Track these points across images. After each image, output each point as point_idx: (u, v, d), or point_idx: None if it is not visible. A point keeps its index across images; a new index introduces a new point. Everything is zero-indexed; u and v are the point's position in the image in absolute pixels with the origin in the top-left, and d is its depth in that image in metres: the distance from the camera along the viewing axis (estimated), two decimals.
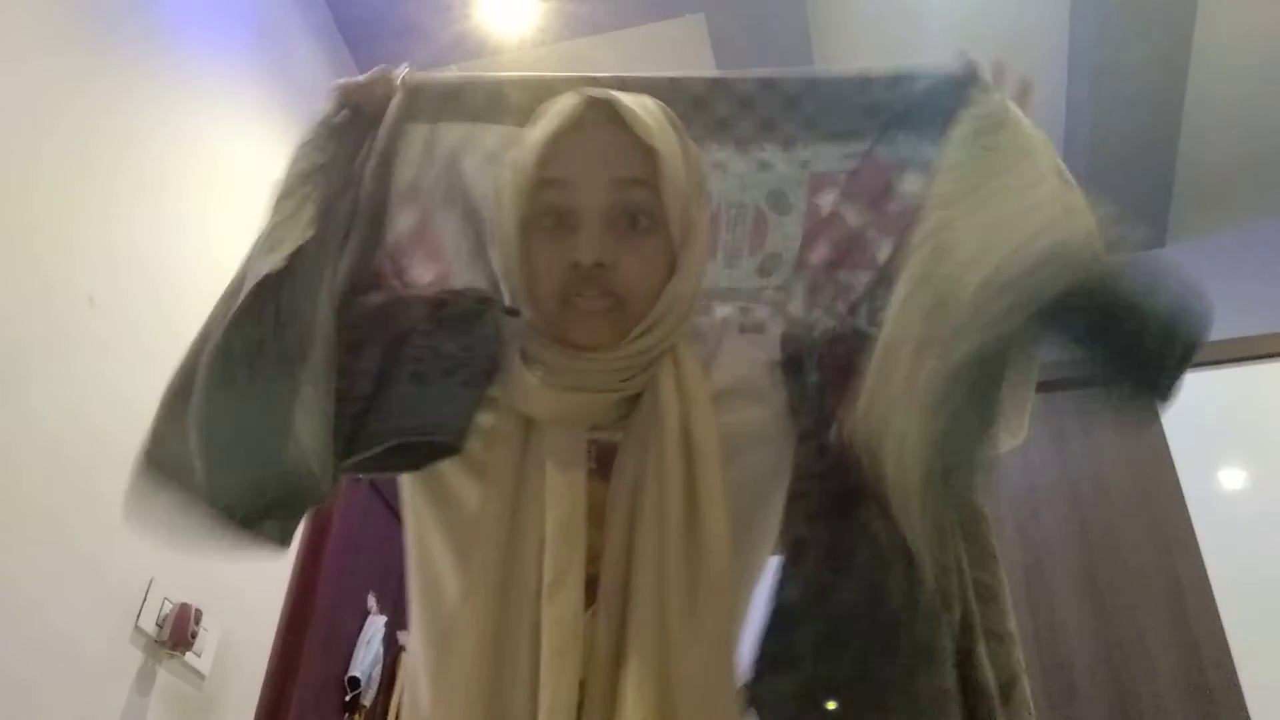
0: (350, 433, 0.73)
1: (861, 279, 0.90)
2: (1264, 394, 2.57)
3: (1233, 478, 2.49)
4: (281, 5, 2.52)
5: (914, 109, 0.83)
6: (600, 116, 0.73)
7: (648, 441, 0.70)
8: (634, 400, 0.73)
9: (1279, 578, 2.26)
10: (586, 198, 0.72)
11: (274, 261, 0.73)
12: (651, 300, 0.72)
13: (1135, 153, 2.91)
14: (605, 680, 0.64)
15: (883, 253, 0.89)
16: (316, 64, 2.64)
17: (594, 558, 0.68)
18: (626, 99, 0.73)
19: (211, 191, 2.09)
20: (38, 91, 1.64)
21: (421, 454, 0.72)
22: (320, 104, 0.89)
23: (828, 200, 0.88)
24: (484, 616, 0.66)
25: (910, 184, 0.86)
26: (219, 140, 2.16)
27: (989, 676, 0.69)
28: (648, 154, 0.72)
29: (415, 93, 0.89)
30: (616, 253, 0.71)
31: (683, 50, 2.82)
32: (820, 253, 0.90)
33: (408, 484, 0.80)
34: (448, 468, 0.74)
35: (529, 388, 0.73)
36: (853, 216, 0.88)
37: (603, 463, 0.72)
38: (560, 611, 0.65)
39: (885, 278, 0.83)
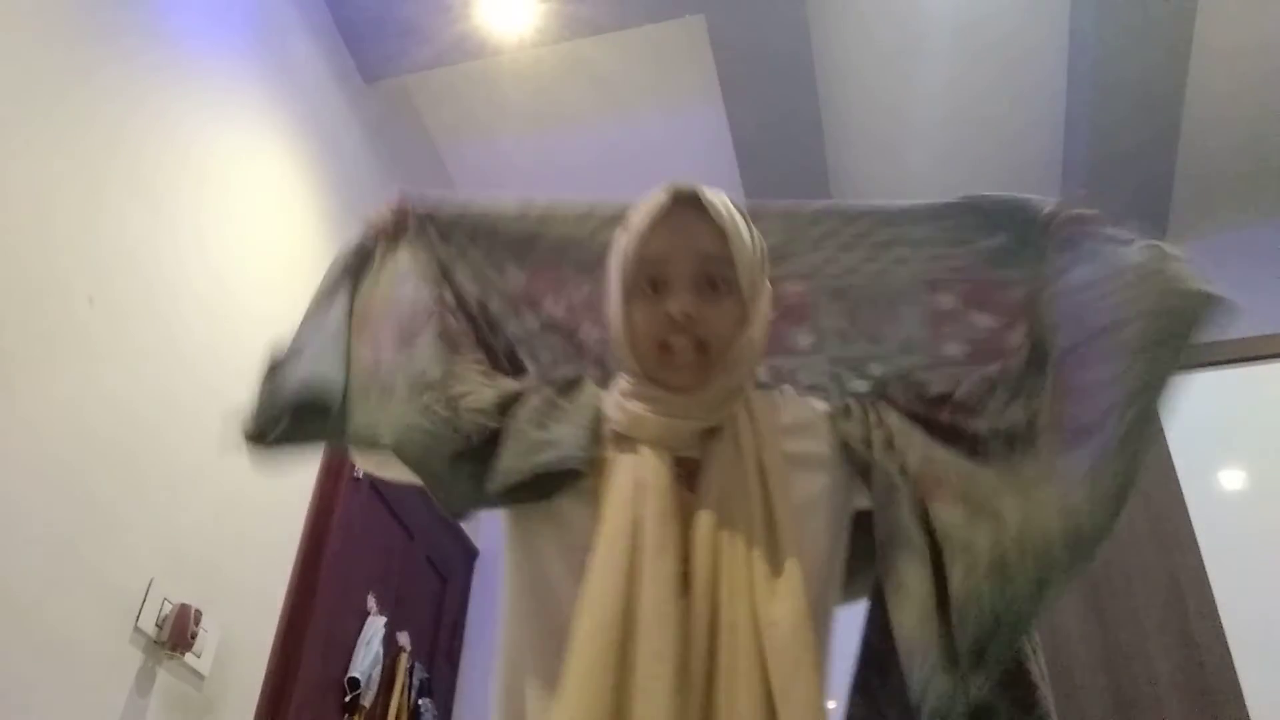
0: (485, 470, 0.91)
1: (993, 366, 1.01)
2: (1264, 394, 2.57)
3: (1233, 478, 2.50)
4: (281, 5, 2.52)
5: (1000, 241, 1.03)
6: (685, 206, 0.94)
7: (728, 462, 0.89)
8: (710, 430, 0.92)
9: (1279, 578, 2.26)
10: (677, 268, 0.92)
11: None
12: (728, 345, 0.92)
13: (1135, 153, 2.91)
14: (702, 644, 0.78)
15: (1011, 338, 1.01)
16: (316, 64, 2.64)
17: (680, 554, 0.83)
18: (706, 192, 0.94)
19: (209, 191, 2.09)
20: (35, 91, 1.64)
21: (548, 485, 0.89)
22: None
23: (946, 301, 1.05)
24: (610, 612, 0.79)
25: (1013, 282, 1.01)
26: (217, 140, 2.16)
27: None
28: (722, 234, 0.92)
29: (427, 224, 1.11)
30: (701, 308, 0.91)
31: (683, 51, 2.83)
32: (953, 346, 1.04)
33: (518, 515, 0.94)
34: (561, 494, 0.90)
35: (635, 416, 0.92)
36: (974, 315, 1.04)
37: (685, 475, 0.89)
38: (658, 580, 0.80)
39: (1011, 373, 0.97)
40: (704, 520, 0.85)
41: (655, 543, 0.82)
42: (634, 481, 0.86)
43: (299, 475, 2.30)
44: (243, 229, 2.20)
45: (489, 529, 3.29)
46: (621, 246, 0.96)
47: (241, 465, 2.00)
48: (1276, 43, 2.74)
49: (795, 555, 0.83)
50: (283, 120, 2.43)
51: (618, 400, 0.95)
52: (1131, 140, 2.87)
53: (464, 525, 3.18)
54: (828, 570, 0.91)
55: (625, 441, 0.91)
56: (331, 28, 2.73)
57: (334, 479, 2.41)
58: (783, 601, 0.80)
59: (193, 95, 2.09)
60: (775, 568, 0.82)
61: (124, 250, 1.79)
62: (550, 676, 0.79)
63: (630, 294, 0.94)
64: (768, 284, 0.97)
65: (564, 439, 0.91)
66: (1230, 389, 2.55)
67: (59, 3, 1.74)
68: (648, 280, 0.93)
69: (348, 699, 2.35)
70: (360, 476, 2.49)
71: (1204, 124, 2.91)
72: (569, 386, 1.00)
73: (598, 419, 0.94)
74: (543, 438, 0.91)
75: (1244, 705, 2.11)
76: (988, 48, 2.83)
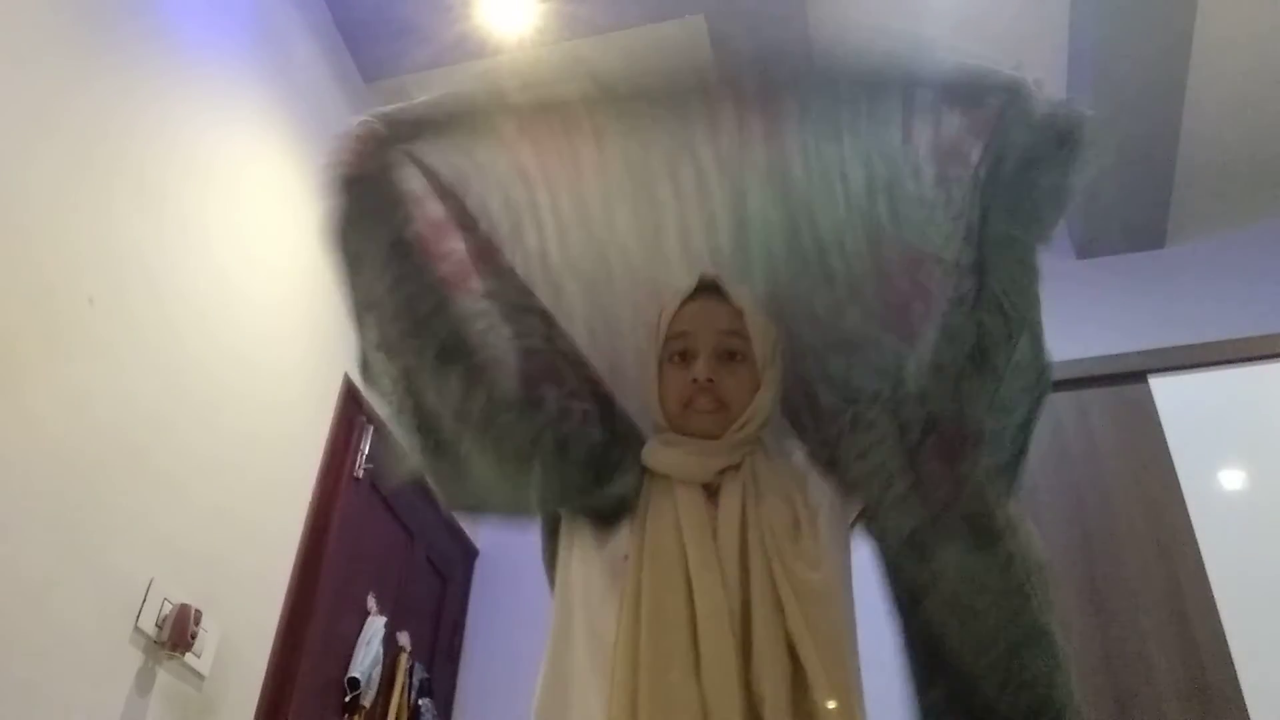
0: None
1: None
2: (1264, 394, 2.57)
3: (1233, 478, 2.49)
4: (281, 6, 2.52)
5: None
6: (709, 289, 1.14)
7: (748, 483, 1.04)
8: (729, 467, 1.07)
9: (1279, 578, 2.26)
10: (701, 342, 1.11)
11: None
12: (744, 406, 1.09)
13: (1135, 153, 2.91)
14: (742, 625, 0.93)
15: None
16: (316, 65, 2.64)
17: (717, 561, 0.99)
18: (726, 280, 1.13)
19: (212, 192, 2.10)
20: (38, 93, 1.65)
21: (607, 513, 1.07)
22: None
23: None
24: (679, 614, 0.94)
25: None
26: (219, 141, 2.16)
27: None
28: (739, 313, 1.11)
29: (393, 127, 1.16)
30: (721, 375, 1.09)
31: (683, 51, 2.82)
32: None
33: (574, 525, 1.10)
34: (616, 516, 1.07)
35: (672, 457, 1.08)
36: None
37: (711, 495, 1.05)
38: (710, 578, 0.95)
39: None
40: (727, 510, 1.01)
41: (701, 558, 0.97)
42: (672, 509, 1.02)
43: (299, 475, 2.30)
44: (245, 228, 2.20)
45: (489, 529, 3.29)
46: (654, 323, 1.15)
47: (241, 466, 2.02)
48: (1277, 38, 2.74)
49: (819, 540, 0.99)
50: (283, 121, 2.43)
51: (655, 446, 1.11)
52: (1132, 136, 2.86)
53: (464, 525, 3.18)
54: (845, 567, 1.05)
55: (660, 478, 1.07)
56: (331, 28, 2.73)
57: (334, 479, 2.41)
58: (809, 558, 0.96)
59: (194, 98, 2.09)
60: (802, 545, 0.98)
61: (128, 251, 1.80)
62: (606, 641, 0.95)
63: (662, 362, 1.13)
64: (780, 361, 1.14)
65: (618, 483, 1.08)
66: (1230, 389, 2.56)
67: (64, 12, 1.74)
68: (676, 352, 1.12)
69: (348, 699, 2.35)
70: (360, 476, 2.49)
71: (1205, 119, 2.91)
72: (616, 438, 1.15)
73: (640, 466, 1.10)
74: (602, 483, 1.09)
75: (1244, 705, 2.12)
76: (989, 45, 2.82)
